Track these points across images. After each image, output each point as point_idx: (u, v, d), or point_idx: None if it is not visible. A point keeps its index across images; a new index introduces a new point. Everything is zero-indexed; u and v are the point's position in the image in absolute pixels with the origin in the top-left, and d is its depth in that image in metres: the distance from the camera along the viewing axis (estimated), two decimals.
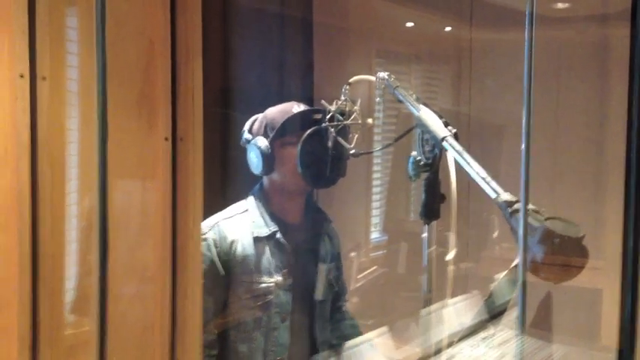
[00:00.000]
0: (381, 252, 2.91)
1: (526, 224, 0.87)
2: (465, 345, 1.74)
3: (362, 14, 2.58)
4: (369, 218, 2.97)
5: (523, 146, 0.75)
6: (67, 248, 1.11)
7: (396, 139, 1.58)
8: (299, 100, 1.83)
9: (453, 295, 1.83)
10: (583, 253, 0.98)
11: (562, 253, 0.97)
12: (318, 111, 1.73)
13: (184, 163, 1.17)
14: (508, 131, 2.48)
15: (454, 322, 1.81)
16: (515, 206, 1.04)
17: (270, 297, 1.72)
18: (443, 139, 1.28)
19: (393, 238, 2.88)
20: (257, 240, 1.74)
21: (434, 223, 1.35)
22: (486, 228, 2.54)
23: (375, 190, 2.99)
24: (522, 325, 0.86)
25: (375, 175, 2.96)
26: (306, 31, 2.40)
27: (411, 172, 1.36)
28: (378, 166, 2.94)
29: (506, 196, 1.08)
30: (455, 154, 1.22)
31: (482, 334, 1.80)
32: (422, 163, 1.35)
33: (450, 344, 1.69)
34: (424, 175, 1.36)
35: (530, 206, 1.00)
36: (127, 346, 1.15)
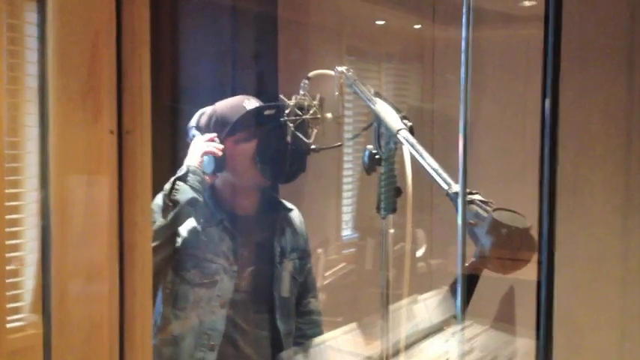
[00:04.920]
0: (351, 249, 2.90)
1: (464, 214, 0.86)
2: (434, 340, 1.73)
3: (326, 11, 2.57)
4: (339, 215, 2.95)
5: (460, 135, 0.74)
6: (8, 247, 1.08)
7: (354, 136, 1.57)
8: (257, 95, 1.79)
9: (420, 291, 1.83)
10: (530, 243, 0.97)
11: (510, 244, 0.97)
12: (271, 106, 1.70)
13: (131, 157, 1.14)
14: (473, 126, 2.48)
15: (421, 318, 1.80)
16: (467, 197, 1.03)
17: (214, 279, 1.69)
18: (397, 132, 1.26)
19: (363, 236, 2.87)
20: (204, 226, 1.72)
21: (390, 216, 1.34)
22: (450, 223, 2.53)
23: (345, 187, 2.97)
24: (462, 313, 0.85)
25: (345, 173, 2.95)
26: (269, 25, 2.37)
27: (366, 165, 1.35)
28: (349, 163, 2.92)
29: (457, 188, 1.06)
30: (408, 146, 1.21)
31: (450, 330, 1.80)
32: (377, 156, 1.34)
33: (417, 341, 1.68)
34: (380, 169, 1.35)
35: (479, 197, 0.99)
36: (74, 346, 1.12)
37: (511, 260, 0.98)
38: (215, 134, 1.70)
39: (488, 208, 0.99)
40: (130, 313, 1.14)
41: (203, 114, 1.75)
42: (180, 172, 1.65)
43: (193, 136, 1.73)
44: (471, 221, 1.00)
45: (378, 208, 1.33)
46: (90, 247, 1.12)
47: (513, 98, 2.39)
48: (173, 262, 1.68)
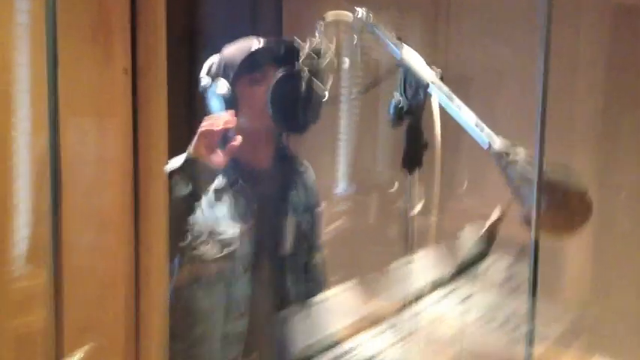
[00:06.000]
0: (348, 204, 2.85)
1: (541, 175, 0.78)
2: (431, 299, 1.70)
3: None
4: (343, 169, 2.89)
5: (540, 89, 0.66)
6: (16, 194, 1.00)
7: (376, 84, 1.47)
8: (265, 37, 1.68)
9: (424, 248, 1.79)
10: (587, 206, 0.91)
11: (564, 207, 0.90)
12: (281, 44, 1.59)
13: (146, 99, 1.05)
14: (490, 78, 2.39)
15: (423, 276, 1.77)
16: (512, 156, 0.95)
17: (234, 246, 1.62)
18: (430, 82, 1.18)
19: (361, 190, 2.81)
20: (217, 191, 1.63)
21: (416, 172, 1.27)
22: (459, 180, 2.48)
23: (342, 138, 2.90)
24: (534, 286, 0.79)
25: (343, 123, 2.86)
26: None
27: (392, 117, 1.26)
28: (356, 115, 2.84)
29: (501, 144, 0.99)
30: (443, 98, 1.13)
31: (450, 288, 1.77)
32: (404, 108, 1.25)
33: (418, 298, 1.65)
34: (406, 122, 1.27)
35: (524, 153, 0.91)
36: (86, 300, 1.05)
37: (564, 224, 0.91)
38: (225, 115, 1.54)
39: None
40: (144, 267, 1.08)
41: (212, 62, 1.65)
42: (177, 164, 1.50)
43: (205, 85, 1.62)
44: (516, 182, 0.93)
45: (404, 163, 1.26)
46: (101, 195, 1.05)
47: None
48: (187, 239, 1.59)
